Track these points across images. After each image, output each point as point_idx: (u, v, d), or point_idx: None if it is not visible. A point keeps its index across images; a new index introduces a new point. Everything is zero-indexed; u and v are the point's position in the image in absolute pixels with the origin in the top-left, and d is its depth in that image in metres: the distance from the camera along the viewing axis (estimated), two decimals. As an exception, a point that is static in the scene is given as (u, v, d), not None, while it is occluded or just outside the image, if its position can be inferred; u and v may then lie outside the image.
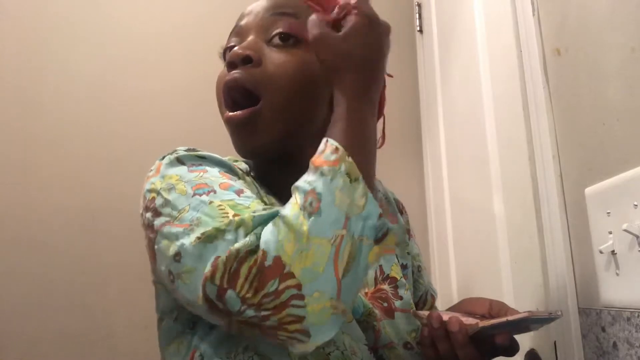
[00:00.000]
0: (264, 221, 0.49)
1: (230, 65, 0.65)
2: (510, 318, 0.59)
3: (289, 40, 0.66)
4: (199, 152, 0.63)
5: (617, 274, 0.67)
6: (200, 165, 0.60)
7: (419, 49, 1.61)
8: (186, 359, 0.59)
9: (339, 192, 0.49)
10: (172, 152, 0.63)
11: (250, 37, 0.67)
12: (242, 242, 0.47)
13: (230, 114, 0.65)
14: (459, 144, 1.29)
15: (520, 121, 0.93)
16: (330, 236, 0.47)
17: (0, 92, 1.46)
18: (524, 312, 0.60)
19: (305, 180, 0.51)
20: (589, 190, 0.74)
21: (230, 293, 0.46)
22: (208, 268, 0.47)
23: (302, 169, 0.65)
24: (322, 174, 0.50)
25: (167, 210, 0.55)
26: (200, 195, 0.54)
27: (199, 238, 0.49)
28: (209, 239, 0.49)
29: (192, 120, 1.48)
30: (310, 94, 0.66)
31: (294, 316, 0.46)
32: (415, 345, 0.67)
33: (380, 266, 0.71)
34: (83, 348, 1.34)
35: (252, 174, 0.70)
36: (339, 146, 0.51)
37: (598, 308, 0.73)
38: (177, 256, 0.51)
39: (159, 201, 0.57)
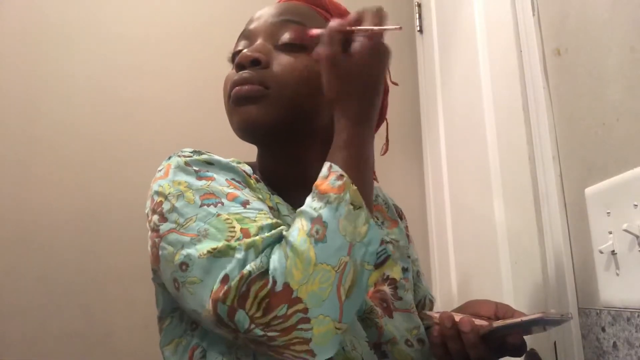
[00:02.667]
0: (272, 243, 0.51)
1: (239, 67, 0.67)
2: (524, 319, 0.61)
3: (295, 45, 0.68)
4: (207, 157, 0.64)
5: (617, 274, 0.67)
6: (208, 172, 0.61)
7: (419, 49, 1.61)
8: (185, 356, 0.59)
9: (344, 220, 0.52)
10: (179, 154, 0.63)
11: (259, 41, 0.69)
12: (253, 264, 0.49)
13: (238, 87, 0.66)
14: (459, 145, 1.29)
15: (520, 121, 0.93)
16: (335, 263, 0.50)
17: (0, 94, 1.46)
18: (538, 313, 0.62)
19: (311, 207, 0.53)
20: (589, 190, 0.74)
21: (240, 313, 0.48)
22: (217, 285, 0.49)
23: (306, 166, 0.69)
24: (328, 202, 0.52)
25: (173, 216, 0.56)
26: (208, 205, 0.56)
27: (209, 252, 0.51)
28: (220, 254, 0.51)
29: (192, 123, 1.48)
30: (314, 94, 0.67)
31: (301, 338, 0.49)
32: (415, 343, 0.68)
33: None
34: (83, 348, 1.34)
35: (256, 174, 0.70)
36: (344, 174, 0.54)
37: (598, 308, 0.72)
38: (184, 265, 0.53)
39: (166, 206, 0.58)
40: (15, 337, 1.33)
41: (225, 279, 0.49)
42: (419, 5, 1.60)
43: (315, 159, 0.68)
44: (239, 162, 0.70)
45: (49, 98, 1.48)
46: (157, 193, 0.60)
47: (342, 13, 0.76)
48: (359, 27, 0.59)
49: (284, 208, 0.68)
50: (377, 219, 0.81)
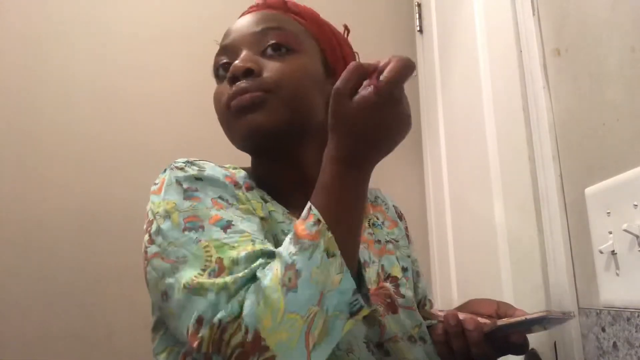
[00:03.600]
0: (244, 283, 0.51)
1: (233, 79, 0.67)
2: (528, 317, 0.61)
3: (281, 49, 0.69)
4: (196, 171, 0.64)
5: (617, 274, 0.67)
6: (196, 190, 0.61)
7: (419, 49, 1.61)
8: None
9: (316, 269, 0.51)
10: (172, 166, 0.64)
11: (244, 52, 0.69)
12: (225, 311, 0.49)
13: (238, 98, 0.66)
14: (459, 144, 1.29)
15: (520, 121, 0.93)
16: (304, 313, 0.50)
17: (0, 94, 1.46)
18: (542, 311, 0.63)
19: (288, 251, 0.52)
20: (589, 190, 0.74)
21: (216, 357, 0.49)
22: (192, 327, 0.50)
23: (304, 167, 0.70)
24: (302, 248, 0.51)
25: (159, 239, 0.58)
26: (190, 230, 0.57)
27: (185, 287, 0.52)
28: (193, 292, 0.52)
29: (192, 125, 1.48)
30: (308, 95, 0.69)
31: None
32: (418, 339, 0.69)
33: (382, 266, 0.73)
34: (83, 348, 1.34)
35: (250, 179, 0.70)
36: (321, 219, 0.52)
37: (598, 308, 0.73)
38: (164, 295, 0.55)
39: (154, 227, 0.59)
40: (15, 337, 1.33)
41: (200, 320, 0.50)
42: (419, 5, 1.60)
43: (312, 159, 0.68)
44: (235, 168, 0.71)
45: (48, 98, 1.48)
46: (150, 210, 0.62)
47: (314, 18, 0.76)
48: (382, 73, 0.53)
49: (279, 215, 0.68)
50: (377, 219, 0.81)
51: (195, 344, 0.49)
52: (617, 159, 0.69)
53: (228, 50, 0.72)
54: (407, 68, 0.53)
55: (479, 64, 1.11)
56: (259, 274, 0.52)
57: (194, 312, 0.50)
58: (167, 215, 0.59)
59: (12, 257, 1.37)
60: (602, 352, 0.71)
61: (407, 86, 0.56)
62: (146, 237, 0.60)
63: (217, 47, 0.79)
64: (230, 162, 0.72)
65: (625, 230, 0.63)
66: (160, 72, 1.54)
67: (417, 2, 1.61)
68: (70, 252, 1.39)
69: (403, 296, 0.72)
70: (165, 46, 1.56)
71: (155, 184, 0.64)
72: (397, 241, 0.80)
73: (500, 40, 1.02)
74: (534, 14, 0.91)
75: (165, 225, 0.58)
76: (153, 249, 0.58)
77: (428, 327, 0.73)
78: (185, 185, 0.62)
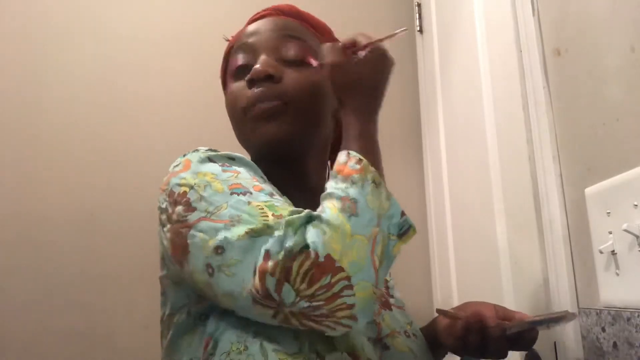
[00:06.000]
0: (304, 222, 0.54)
1: (252, 82, 0.70)
2: (552, 315, 0.67)
3: (298, 60, 0.73)
4: (228, 153, 0.66)
5: (617, 274, 0.67)
6: (232, 166, 0.63)
7: (419, 49, 1.61)
8: (200, 348, 0.60)
9: (370, 196, 0.57)
10: (197, 150, 0.66)
11: (264, 56, 0.72)
12: (294, 240, 0.52)
13: (259, 104, 0.70)
14: (459, 144, 1.29)
15: (520, 121, 0.93)
16: (368, 233, 0.55)
17: (0, 93, 1.46)
18: (563, 311, 0.70)
19: (337, 187, 0.58)
20: (589, 190, 0.74)
21: (286, 286, 0.51)
22: (261, 260, 0.52)
23: (306, 173, 0.74)
24: (352, 182, 0.58)
25: (202, 205, 0.58)
26: (238, 194, 0.58)
27: (247, 233, 0.54)
28: (257, 233, 0.53)
29: (192, 125, 1.48)
30: (321, 109, 0.74)
31: (345, 304, 0.52)
32: (412, 335, 0.72)
33: None
34: (83, 348, 1.34)
35: None
36: (362, 157, 0.59)
37: (598, 308, 0.73)
38: (219, 249, 0.54)
39: (193, 196, 0.59)
40: (15, 337, 1.33)
41: (267, 255, 0.52)
42: (419, 5, 1.60)
43: (314, 166, 0.75)
44: None
45: (48, 98, 1.48)
46: (179, 185, 0.61)
47: (327, 31, 0.81)
48: (371, 41, 0.66)
49: None
50: None
51: (268, 269, 0.51)
52: (617, 159, 0.69)
53: (247, 50, 0.74)
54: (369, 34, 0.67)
55: (479, 64, 1.11)
56: (314, 214, 0.55)
57: (261, 250, 0.52)
58: (208, 184, 0.59)
59: (12, 257, 1.37)
60: (602, 352, 0.71)
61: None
62: (179, 208, 0.59)
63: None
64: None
65: (625, 230, 0.63)
66: (161, 71, 1.53)
67: (417, 2, 1.61)
68: (70, 252, 1.39)
69: (392, 296, 0.77)
70: (165, 46, 1.56)
71: (176, 165, 0.64)
72: None
73: (500, 40, 1.02)
74: (534, 14, 0.91)
75: (208, 192, 0.58)
76: (197, 214, 0.57)
77: (421, 327, 0.77)
78: (219, 162, 0.63)
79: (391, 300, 0.76)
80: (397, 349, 0.67)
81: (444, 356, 0.79)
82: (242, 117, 0.72)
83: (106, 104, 1.50)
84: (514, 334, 0.66)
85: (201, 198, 0.58)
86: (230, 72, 0.76)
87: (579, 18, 0.78)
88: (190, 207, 0.58)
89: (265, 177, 0.67)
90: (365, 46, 0.66)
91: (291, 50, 0.73)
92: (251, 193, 0.58)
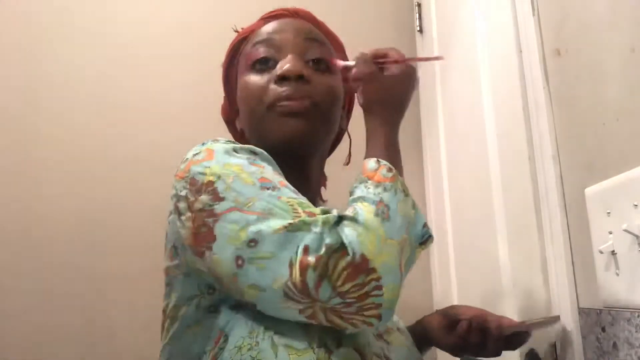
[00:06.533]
0: (337, 222, 0.56)
1: (283, 79, 0.73)
2: (547, 318, 0.76)
3: (321, 64, 0.77)
4: (249, 146, 0.66)
5: (617, 274, 0.67)
6: (255, 160, 0.64)
7: (419, 49, 1.61)
8: (208, 341, 0.60)
9: (400, 204, 0.60)
10: (217, 139, 0.66)
11: (290, 55, 0.75)
12: (332, 238, 0.53)
13: (289, 101, 0.72)
14: (459, 144, 1.29)
15: (520, 121, 0.93)
16: (398, 238, 0.58)
17: (1, 92, 1.46)
18: (556, 315, 0.79)
19: (370, 192, 0.60)
20: (589, 190, 0.74)
21: (325, 282, 0.52)
22: (300, 255, 0.53)
23: (308, 173, 0.78)
24: (385, 189, 0.61)
25: (232, 195, 0.57)
26: (267, 189, 0.58)
27: (285, 227, 0.54)
28: (295, 228, 0.54)
29: (193, 125, 1.48)
30: (337, 113, 0.78)
31: (374, 304, 0.54)
32: (401, 330, 0.76)
33: None
34: (84, 349, 1.34)
35: None
36: (392, 167, 0.63)
37: (598, 308, 0.73)
38: (252, 242, 0.54)
39: (221, 186, 0.58)
40: (15, 338, 1.33)
41: (307, 250, 0.53)
42: (419, 5, 1.60)
43: (315, 167, 0.79)
44: None
45: (49, 98, 1.48)
46: (202, 173, 0.60)
47: (340, 45, 0.84)
48: (409, 58, 0.72)
49: None
50: None
51: (311, 264, 0.52)
52: (616, 159, 0.69)
53: (271, 45, 0.76)
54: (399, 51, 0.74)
55: (479, 64, 1.11)
56: (344, 214, 0.57)
57: (300, 244, 0.53)
58: (237, 175, 0.59)
59: (13, 258, 1.37)
60: (602, 352, 0.71)
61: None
62: (205, 197, 0.58)
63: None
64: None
65: (625, 230, 0.63)
66: (163, 70, 1.53)
67: (417, 2, 1.61)
68: (71, 253, 1.39)
69: None
70: (166, 47, 1.56)
71: (197, 154, 0.63)
72: None
73: (500, 40, 1.02)
74: (534, 14, 0.91)
75: (237, 184, 0.58)
76: (226, 204, 0.57)
77: (411, 327, 0.82)
78: (244, 155, 0.63)
79: None
80: (395, 344, 0.69)
81: (426, 352, 0.83)
82: (264, 112, 0.73)
83: (106, 104, 1.50)
84: (509, 336, 0.72)
85: (230, 188, 0.58)
86: (246, 64, 0.77)
87: (579, 18, 0.78)
88: (217, 197, 0.58)
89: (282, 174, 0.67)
90: (396, 61, 0.70)
91: (316, 55, 0.76)
92: (279, 188, 0.59)
